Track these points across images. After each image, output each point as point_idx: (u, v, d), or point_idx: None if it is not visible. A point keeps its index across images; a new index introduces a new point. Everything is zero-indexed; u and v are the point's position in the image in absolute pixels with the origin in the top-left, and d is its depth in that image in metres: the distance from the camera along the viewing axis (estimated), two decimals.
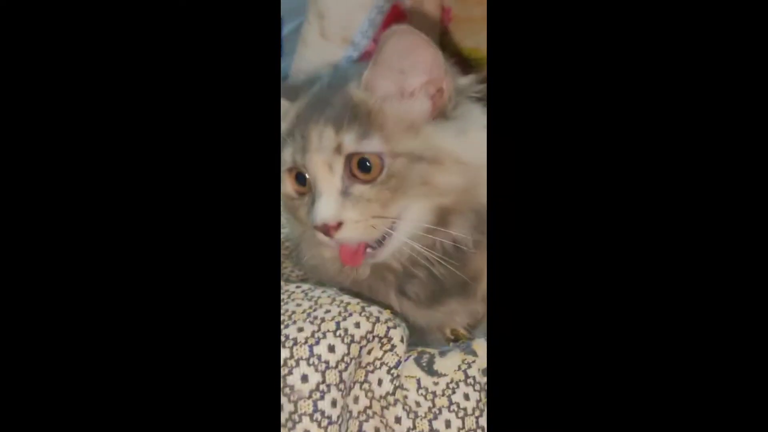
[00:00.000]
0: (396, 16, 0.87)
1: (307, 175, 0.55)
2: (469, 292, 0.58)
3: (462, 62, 0.64)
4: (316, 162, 0.53)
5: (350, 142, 0.52)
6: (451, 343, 0.56)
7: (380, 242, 0.54)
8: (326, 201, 0.52)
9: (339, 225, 0.52)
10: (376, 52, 0.52)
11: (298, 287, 0.52)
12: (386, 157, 0.52)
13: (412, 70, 0.53)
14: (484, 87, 0.56)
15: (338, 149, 0.52)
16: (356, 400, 0.49)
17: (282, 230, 0.67)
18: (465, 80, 0.57)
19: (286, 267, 0.63)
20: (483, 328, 0.59)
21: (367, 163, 0.52)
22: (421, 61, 0.53)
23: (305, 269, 0.62)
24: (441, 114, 0.54)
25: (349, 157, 0.52)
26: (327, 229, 0.52)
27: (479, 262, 0.56)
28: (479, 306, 0.59)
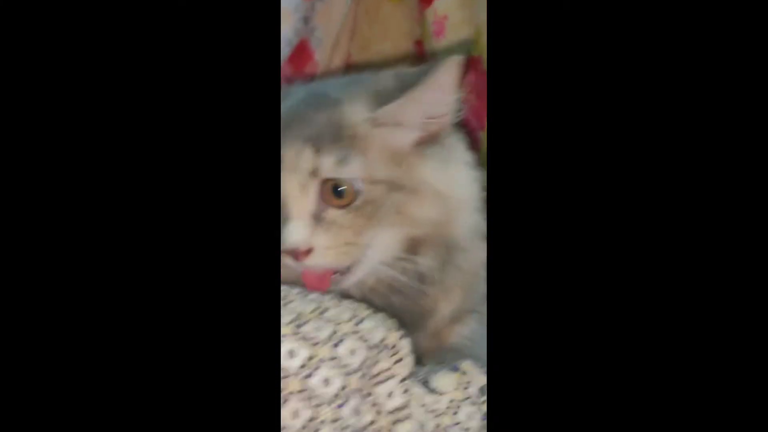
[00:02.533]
0: None
1: None
2: (421, 325, 0.56)
3: None
4: (288, 182, 0.50)
5: (329, 165, 0.49)
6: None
7: (348, 268, 0.51)
8: (297, 225, 0.49)
9: (309, 251, 0.49)
10: (426, 83, 0.49)
11: (291, 288, 0.47)
12: (364, 184, 0.50)
13: (437, 105, 0.51)
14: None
15: (314, 172, 0.50)
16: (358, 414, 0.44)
17: None
18: None
19: None
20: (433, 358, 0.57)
21: (339, 188, 0.50)
22: (449, 95, 0.51)
23: None
24: (432, 139, 0.53)
25: (324, 181, 0.50)
26: (296, 255, 0.49)
27: (437, 297, 0.56)
28: (427, 341, 0.57)
